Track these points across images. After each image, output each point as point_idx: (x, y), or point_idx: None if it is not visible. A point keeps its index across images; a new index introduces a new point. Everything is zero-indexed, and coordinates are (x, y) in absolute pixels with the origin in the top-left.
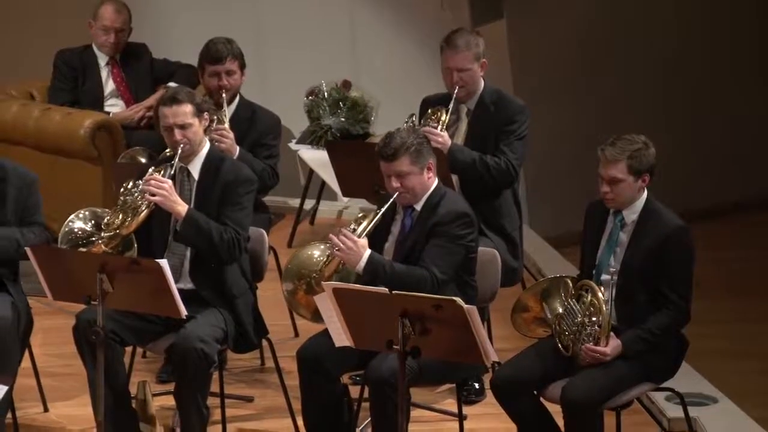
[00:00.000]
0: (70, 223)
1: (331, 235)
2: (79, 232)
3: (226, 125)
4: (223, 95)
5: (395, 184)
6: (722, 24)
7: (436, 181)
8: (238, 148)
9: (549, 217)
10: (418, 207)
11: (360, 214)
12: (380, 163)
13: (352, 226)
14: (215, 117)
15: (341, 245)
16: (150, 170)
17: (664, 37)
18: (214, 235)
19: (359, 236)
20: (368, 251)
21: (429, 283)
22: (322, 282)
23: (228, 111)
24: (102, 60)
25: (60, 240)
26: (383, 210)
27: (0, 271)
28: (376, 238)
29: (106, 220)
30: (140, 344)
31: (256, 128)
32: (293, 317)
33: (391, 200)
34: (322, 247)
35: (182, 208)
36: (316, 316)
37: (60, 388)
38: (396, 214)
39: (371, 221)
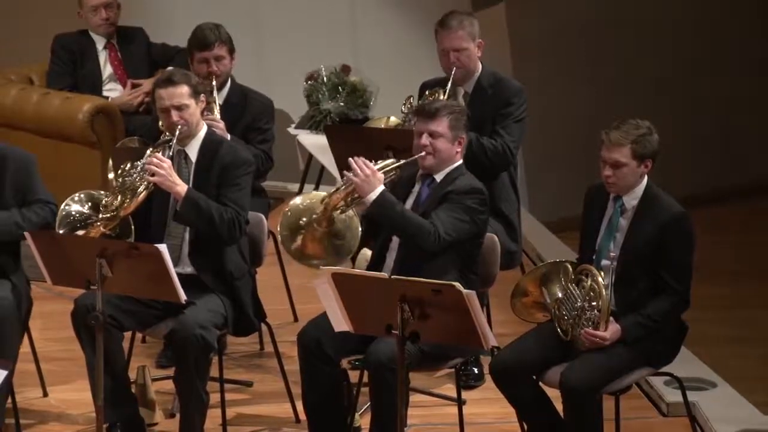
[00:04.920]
0: (67, 207)
1: (350, 159)
2: (77, 215)
3: (218, 111)
4: (213, 81)
5: (425, 141)
6: (722, 6)
7: (461, 160)
8: (229, 136)
9: (548, 202)
10: (438, 178)
11: (380, 161)
12: (416, 122)
13: (372, 162)
14: (211, 100)
15: (359, 171)
16: (149, 151)
17: (664, 21)
18: (214, 214)
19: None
20: (382, 186)
21: (432, 235)
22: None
23: (220, 96)
24: (99, 44)
25: (58, 224)
26: (404, 162)
27: (1, 260)
28: None
29: (104, 202)
30: (139, 329)
31: (249, 112)
32: (292, 302)
33: (414, 157)
34: (316, 193)
35: (181, 188)
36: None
37: (59, 372)
38: (413, 186)
39: (390, 165)
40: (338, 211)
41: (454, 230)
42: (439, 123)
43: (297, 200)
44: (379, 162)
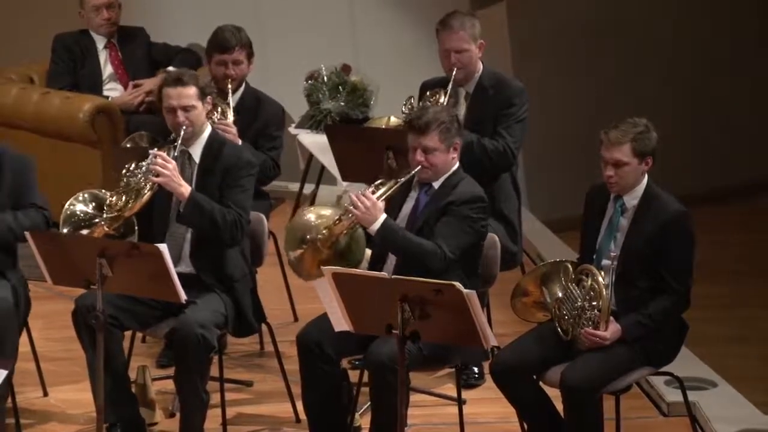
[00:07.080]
0: (71, 206)
1: (350, 193)
2: (81, 215)
3: (231, 114)
4: (229, 84)
5: (420, 157)
6: (722, 6)
7: (457, 164)
8: (240, 142)
9: (548, 202)
10: (436, 185)
11: (378, 181)
12: (408, 135)
13: (371, 190)
14: (219, 105)
15: (359, 204)
16: (153, 151)
17: (664, 18)
18: (217, 216)
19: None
20: (384, 215)
21: (438, 257)
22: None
23: (233, 99)
24: (100, 43)
25: (62, 224)
26: (403, 180)
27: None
28: (386, 213)
29: (108, 202)
30: (140, 329)
31: (261, 118)
32: (293, 302)
33: (412, 173)
34: (326, 212)
35: (185, 189)
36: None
37: (60, 372)
38: (410, 191)
39: (389, 188)
40: (342, 235)
41: (459, 248)
42: (431, 137)
43: (309, 216)
44: (377, 188)
